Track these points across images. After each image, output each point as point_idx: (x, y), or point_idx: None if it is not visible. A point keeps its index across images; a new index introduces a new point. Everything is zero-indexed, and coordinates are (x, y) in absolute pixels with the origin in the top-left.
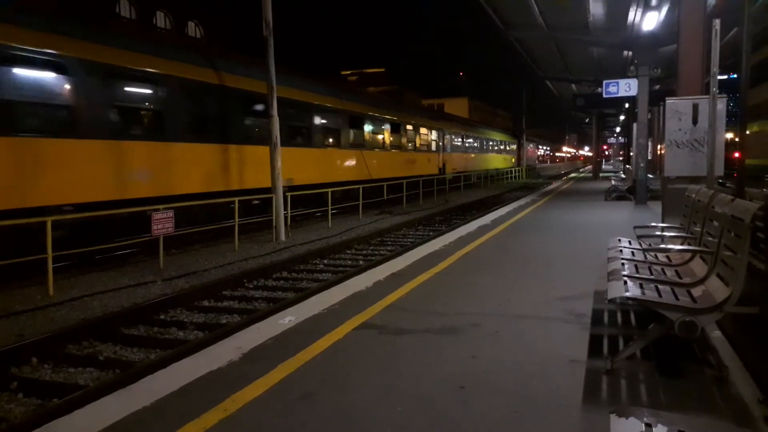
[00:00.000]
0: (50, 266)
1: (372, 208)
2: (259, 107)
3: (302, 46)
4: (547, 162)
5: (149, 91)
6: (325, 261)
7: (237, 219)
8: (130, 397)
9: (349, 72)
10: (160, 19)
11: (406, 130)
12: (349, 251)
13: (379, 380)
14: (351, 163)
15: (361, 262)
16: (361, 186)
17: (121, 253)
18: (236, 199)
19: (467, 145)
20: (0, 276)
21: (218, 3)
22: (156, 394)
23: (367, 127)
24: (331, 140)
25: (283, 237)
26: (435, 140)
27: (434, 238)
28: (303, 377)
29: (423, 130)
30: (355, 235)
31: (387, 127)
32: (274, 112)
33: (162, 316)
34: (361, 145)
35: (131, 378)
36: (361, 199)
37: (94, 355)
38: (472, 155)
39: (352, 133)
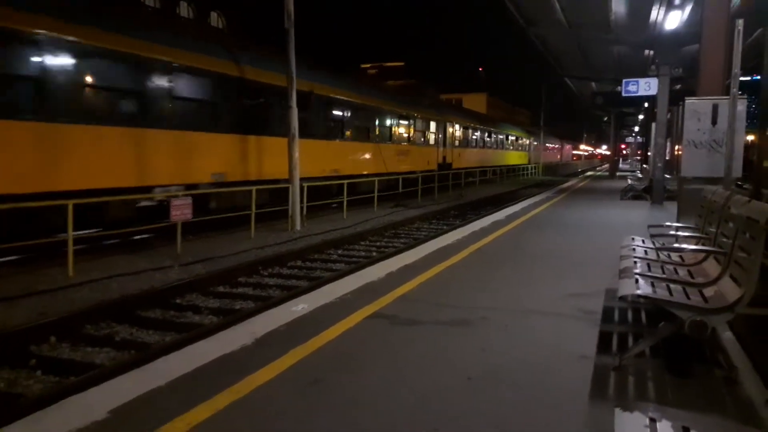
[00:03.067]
0: (71, 248)
1: (388, 200)
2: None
3: (322, 37)
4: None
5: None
6: (339, 251)
7: (254, 208)
8: (144, 377)
9: (369, 65)
10: (183, 9)
11: (519, 139)
12: (363, 242)
13: (389, 369)
14: (494, 156)
15: (374, 254)
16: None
17: (139, 238)
18: (253, 188)
19: (541, 146)
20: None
21: None
22: (170, 374)
23: (509, 139)
24: (490, 144)
25: (298, 226)
26: (528, 144)
27: (447, 231)
28: (314, 363)
29: (524, 139)
30: (369, 227)
31: (514, 138)
32: (293, 103)
33: (178, 300)
34: (506, 148)
35: (146, 359)
36: (376, 192)
37: (111, 335)
38: (541, 152)
39: (506, 142)
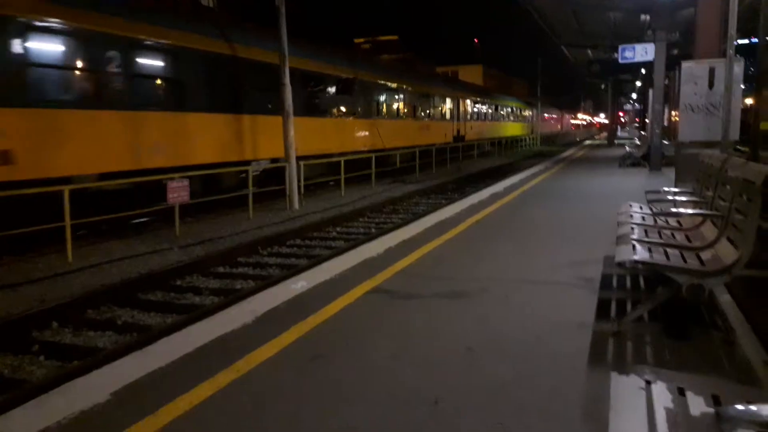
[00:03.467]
0: (68, 234)
1: (386, 176)
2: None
3: (314, 13)
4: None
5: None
6: (338, 229)
7: (251, 187)
8: (146, 358)
9: (362, 40)
10: None
11: (522, 111)
12: (361, 219)
13: (389, 342)
14: (500, 128)
15: (373, 230)
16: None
17: (138, 222)
18: (249, 168)
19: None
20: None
21: None
22: (172, 355)
23: (513, 111)
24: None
25: (296, 205)
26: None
27: (446, 205)
28: (314, 339)
29: (525, 111)
30: (367, 204)
31: (517, 110)
32: (287, 81)
33: (178, 282)
34: (510, 120)
35: (148, 341)
36: (373, 167)
37: (113, 319)
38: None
39: (510, 114)
